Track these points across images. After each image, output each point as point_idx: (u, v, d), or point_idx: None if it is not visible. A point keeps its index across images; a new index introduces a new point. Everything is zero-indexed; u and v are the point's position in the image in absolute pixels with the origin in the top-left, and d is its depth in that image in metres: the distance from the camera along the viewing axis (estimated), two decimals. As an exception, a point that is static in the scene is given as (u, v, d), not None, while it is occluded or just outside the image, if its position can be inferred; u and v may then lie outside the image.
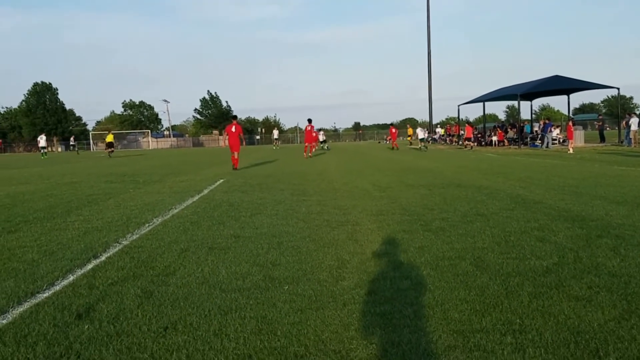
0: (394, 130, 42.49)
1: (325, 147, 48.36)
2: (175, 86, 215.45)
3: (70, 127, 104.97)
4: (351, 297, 4.21)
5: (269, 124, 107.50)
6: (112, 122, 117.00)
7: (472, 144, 39.02)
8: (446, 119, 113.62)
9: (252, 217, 8.25)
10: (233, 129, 20.24)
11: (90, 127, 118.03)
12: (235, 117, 21.63)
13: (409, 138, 56.21)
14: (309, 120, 32.17)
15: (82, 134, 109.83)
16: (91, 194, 12.15)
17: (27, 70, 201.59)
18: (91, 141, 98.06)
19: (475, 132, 46.96)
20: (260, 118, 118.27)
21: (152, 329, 3.67)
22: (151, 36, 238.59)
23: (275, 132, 64.55)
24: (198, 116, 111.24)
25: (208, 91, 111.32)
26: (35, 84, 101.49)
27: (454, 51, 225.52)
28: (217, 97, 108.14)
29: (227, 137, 20.32)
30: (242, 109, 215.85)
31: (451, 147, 43.21)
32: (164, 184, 14.36)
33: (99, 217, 8.70)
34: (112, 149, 48.30)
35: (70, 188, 13.89)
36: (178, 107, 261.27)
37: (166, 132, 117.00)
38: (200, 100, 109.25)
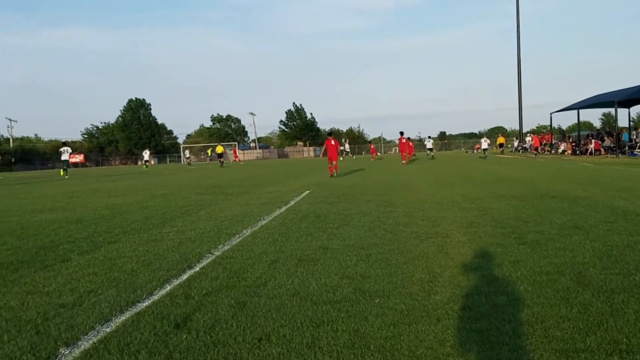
0: (404, 140, 42.86)
1: (431, 156, 49.91)
2: (261, 99, 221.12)
3: (163, 141, 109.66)
4: (445, 312, 4.11)
5: (353, 135, 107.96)
6: (201, 135, 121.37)
7: (538, 152, 42.10)
8: (537, 127, 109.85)
9: (339, 229, 8.26)
10: (332, 143, 24.09)
11: (180, 140, 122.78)
12: (331, 133, 26.35)
13: (495, 148, 56.23)
14: (401, 133, 38.22)
15: (173, 147, 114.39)
16: (183, 206, 12.58)
17: (123, 86, 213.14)
18: (182, 154, 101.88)
19: (569, 141, 45.43)
20: (344, 129, 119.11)
21: (246, 339, 3.72)
22: (239, 50, 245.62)
23: (346, 145, 67.00)
24: (283, 128, 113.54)
25: (293, 103, 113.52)
26: (130, 100, 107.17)
27: (545, 56, 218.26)
28: (302, 109, 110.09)
29: (326, 149, 23.88)
30: (326, 120, 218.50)
31: (543, 155, 41.76)
32: (251, 196, 14.66)
33: (192, 228, 8.97)
34: (222, 159, 55.62)
35: (164, 200, 14.45)
36: (264, 120, 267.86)
37: (252, 144, 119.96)
38: (286, 112, 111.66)
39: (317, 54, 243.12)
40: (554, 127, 51.21)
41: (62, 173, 37.36)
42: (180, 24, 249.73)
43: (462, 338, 3.58)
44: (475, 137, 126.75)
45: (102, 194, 17.66)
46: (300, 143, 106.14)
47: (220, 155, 55.24)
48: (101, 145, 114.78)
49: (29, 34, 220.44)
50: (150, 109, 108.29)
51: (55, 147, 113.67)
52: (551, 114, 48.49)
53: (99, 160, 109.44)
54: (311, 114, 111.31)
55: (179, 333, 3.90)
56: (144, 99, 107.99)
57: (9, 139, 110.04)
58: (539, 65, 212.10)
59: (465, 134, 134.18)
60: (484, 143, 47.70)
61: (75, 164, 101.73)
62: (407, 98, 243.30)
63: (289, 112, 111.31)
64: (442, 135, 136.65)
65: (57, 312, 4.50)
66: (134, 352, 3.58)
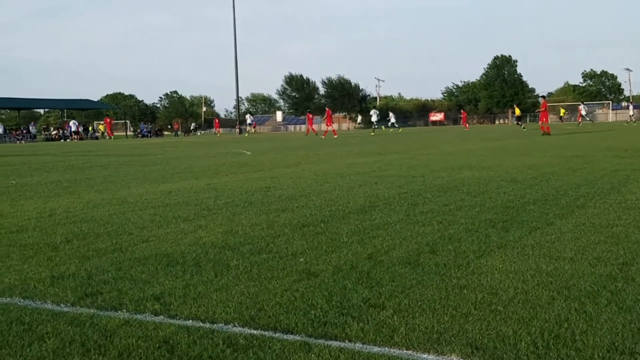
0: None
1: None
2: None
3: (525, 100, 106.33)
4: None
5: None
6: (565, 93, 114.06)
7: None
8: None
9: None
10: None
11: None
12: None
13: None
14: None
15: (533, 106, 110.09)
16: (618, 170, 11.16)
17: (488, 44, 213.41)
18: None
19: None
20: None
21: None
22: None
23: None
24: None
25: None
26: (495, 58, 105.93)
27: None
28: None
29: None
30: None
31: None
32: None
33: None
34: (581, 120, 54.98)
35: (583, 161, 13.29)
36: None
37: (624, 104, 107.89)
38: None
39: None
40: None
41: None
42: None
43: None
44: None
45: (503, 152, 17.40)
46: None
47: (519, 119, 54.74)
48: (460, 104, 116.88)
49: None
50: (516, 65, 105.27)
51: (416, 106, 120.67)
52: None
53: (456, 119, 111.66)
54: None
55: None
56: (510, 56, 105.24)
57: (376, 97, 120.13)
58: None
59: None
60: (583, 110, 55.75)
61: (434, 122, 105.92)
62: None
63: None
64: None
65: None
66: None
